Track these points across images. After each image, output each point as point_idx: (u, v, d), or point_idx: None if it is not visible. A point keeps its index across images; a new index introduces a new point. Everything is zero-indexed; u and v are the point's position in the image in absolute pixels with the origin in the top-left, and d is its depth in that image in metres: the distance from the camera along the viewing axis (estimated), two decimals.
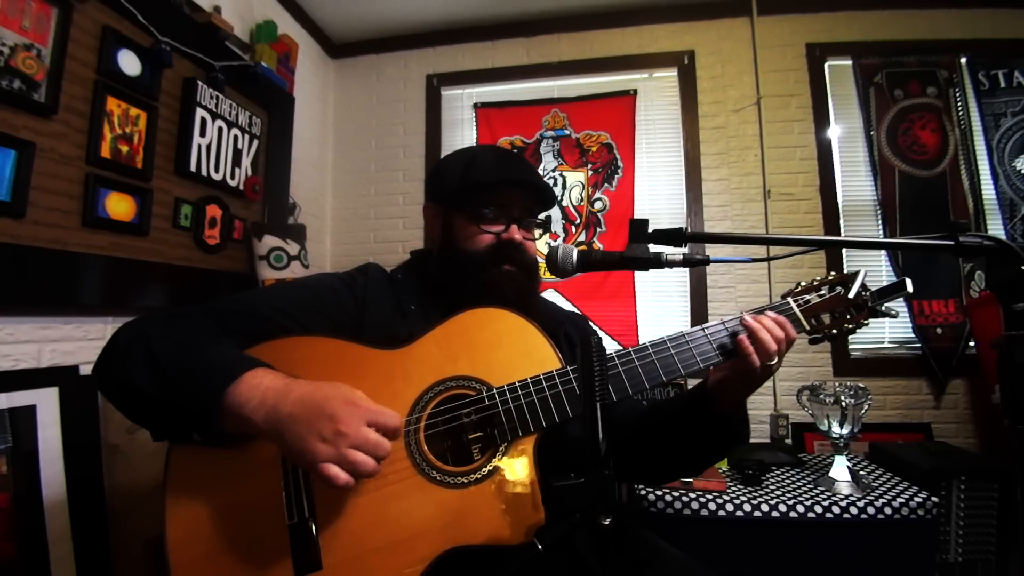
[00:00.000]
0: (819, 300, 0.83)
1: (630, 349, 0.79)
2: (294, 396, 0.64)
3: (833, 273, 0.85)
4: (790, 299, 0.83)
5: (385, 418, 0.64)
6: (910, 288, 0.78)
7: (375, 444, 0.62)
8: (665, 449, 0.87)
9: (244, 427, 0.64)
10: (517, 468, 0.73)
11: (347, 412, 0.62)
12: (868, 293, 0.82)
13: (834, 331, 0.82)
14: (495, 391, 0.76)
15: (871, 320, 0.82)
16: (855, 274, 0.83)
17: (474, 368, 0.78)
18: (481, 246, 0.89)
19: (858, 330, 0.82)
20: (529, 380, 0.76)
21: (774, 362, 0.76)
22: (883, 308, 0.82)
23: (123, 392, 0.70)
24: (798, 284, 0.86)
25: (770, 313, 0.79)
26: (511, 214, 0.90)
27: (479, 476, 0.72)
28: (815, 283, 0.85)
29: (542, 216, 0.98)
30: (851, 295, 0.81)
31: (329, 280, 0.90)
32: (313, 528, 0.68)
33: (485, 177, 0.90)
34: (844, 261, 2.18)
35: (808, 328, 0.82)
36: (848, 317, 0.82)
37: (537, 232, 0.98)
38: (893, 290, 0.80)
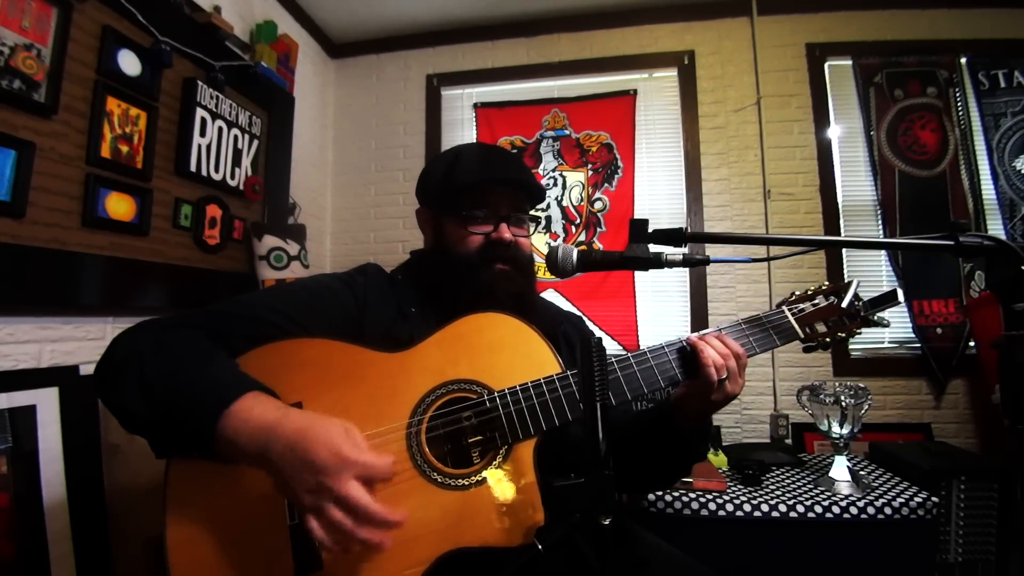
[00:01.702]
0: (813, 309, 0.85)
1: (613, 359, 0.79)
2: (284, 438, 0.61)
3: (827, 283, 0.88)
4: (785, 308, 0.85)
5: (375, 470, 0.61)
6: (901, 299, 0.81)
7: (354, 502, 0.58)
8: (634, 461, 0.88)
9: (238, 459, 0.64)
10: (517, 471, 0.73)
11: (334, 465, 0.59)
12: (861, 303, 0.84)
13: (827, 339, 0.84)
14: (496, 394, 0.76)
15: (863, 329, 0.85)
16: (848, 284, 0.85)
17: (475, 372, 0.78)
18: (471, 248, 0.89)
19: (851, 339, 0.85)
20: (530, 384, 0.76)
21: (732, 381, 0.77)
22: (875, 318, 0.84)
23: (119, 414, 0.69)
24: (792, 293, 0.88)
25: (712, 334, 0.80)
26: (499, 213, 0.89)
27: (480, 478, 0.72)
28: (809, 292, 0.87)
29: (533, 212, 0.98)
30: (844, 304, 0.83)
31: (329, 281, 0.89)
32: None
33: (468, 178, 0.89)
34: (844, 261, 2.19)
35: (802, 336, 0.83)
36: (841, 326, 0.84)
37: (531, 227, 0.97)
38: (885, 300, 0.83)
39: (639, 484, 0.94)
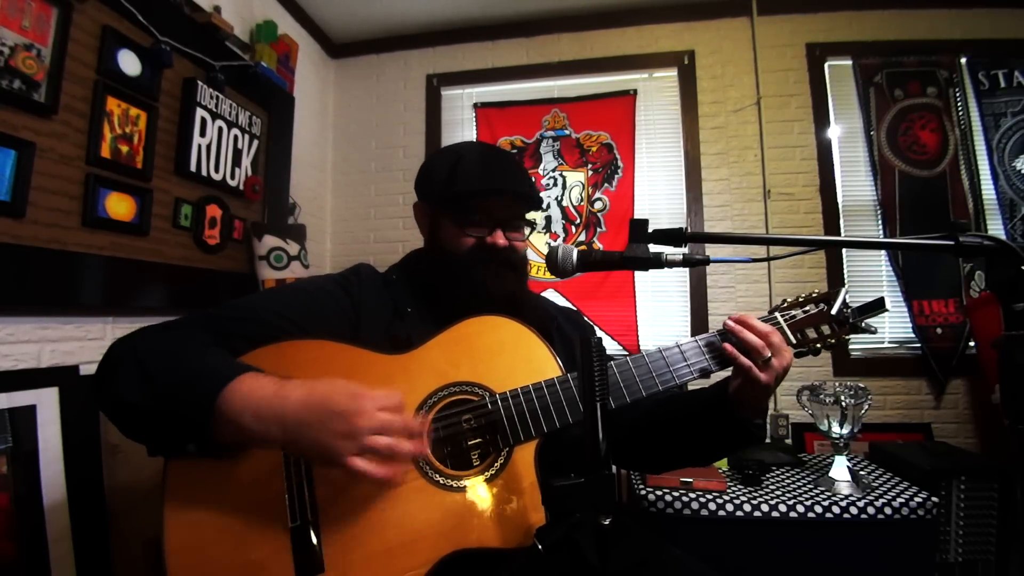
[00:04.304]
0: (804, 316, 0.86)
1: (627, 357, 0.81)
2: (294, 400, 0.63)
3: (817, 291, 0.89)
4: (777, 314, 0.87)
5: (390, 399, 0.64)
6: (888, 306, 0.83)
7: (392, 425, 0.63)
8: (680, 443, 0.90)
9: (244, 438, 0.64)
10: (519, 472, 0.73)
11: (357, 405, 0.62)
12: (849, 310, 0.86)
13: (817, 345, 0.86)
14: (497, 396, 0.76)
15: (852, 336, 0.87)
16: (838, 291, 0.87)
17: (476, 374, 0.78)
18: (464, 248, 0.90)
19: (842, 345, 0.86)
20: (531, 386, 0.77)
21: (778, 356, 0.78)
22: (863, 324, 0.86)
23: (116, 408, 0.69)
24: (784, 300, 0.90)
25: (739, 319, 0.82)
26: (496, 218, 0.90)
27: (482, 480, 0.73)
28: (800, 299, 0.89)
29: (529, 216, 0.99)
30: (833, 311, 0.85)
31: (324, 283, 0.90)
32: (315, 531, 0.68)
33: (469, 186, 0.90)
34: (844, 261, 2.19)
35: (794, 342, 0.85)
36: (831, 332, 0.86)
37: (527, 230, 0.97)
38: (872, 308, 0.84)
39: (679, 461, 0.96)
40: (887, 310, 0.83)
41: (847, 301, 0.85)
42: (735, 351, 0.78)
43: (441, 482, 0.72)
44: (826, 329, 0.85)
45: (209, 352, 0.71)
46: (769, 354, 0.77)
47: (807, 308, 0.87)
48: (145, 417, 0.67)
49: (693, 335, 0.83)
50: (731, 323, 0.80)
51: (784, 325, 0.85)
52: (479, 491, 0.72)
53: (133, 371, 0.67)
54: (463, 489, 0.72)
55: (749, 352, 0.77)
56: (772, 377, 0.78)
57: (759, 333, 0.78)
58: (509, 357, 0.80)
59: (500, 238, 0.89)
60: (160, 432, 0.68)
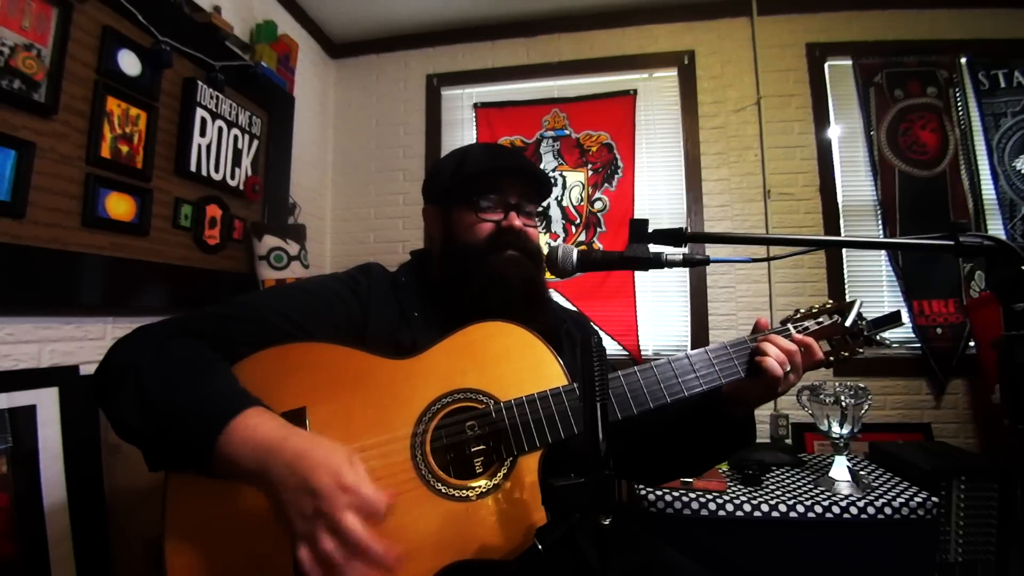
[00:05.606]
0: (817, 328, 0.85)
1: (635, 367, 0.80)
2: (285, 459, 0.59)
3: (831, 301, 0.88)
4: (790, 325, 0.85)
5: (372, 505, 0.58)
6: (903, 320, 0.82)
7: (348, 533, 0.55)
8: (673, 450, 0.89)
9: (236, 477, 0.62)
10: (523, 483, 0.72)
11: (333, 491, 0.57)
12: (864, 322, 0.85)
13: (830, 358, 0.85)
14: (502, 405, 0.75)
15: (865, 348, 0.85)
16: (852, 303, 0.85)
17: (482, 381, 0.77)
18: (482, 235, 0.89)
19: (852, 357, 0.85)
20: (536, 395, 0.75)
21: (796, 373, 0.78)
22: (877, 337, 0.85)
23: (115, 425, 0.68)
24: (797, 311, 0.88)
25: (796, 336, 0.81)
26: (508, 202, 0.90)
27: (485, 489, 0.72)
28: (813, 311, 0.87)
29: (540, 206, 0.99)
30: (847, 323, 0.84)
31: (332, 284, 0.88)
32: None
33: (478, 168, 0.90)
34: (844, 261, 2.19)
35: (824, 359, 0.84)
36: (844, 345, 0.85)
37: (538, 220, 0.98)
38: (887, 321, 0.84)
39: (673, 471, 0.95)
40: (903, 324, 0.82)
41: (861, 313, 0.84)
42: (772, 360, 0.76)
43: (443, 491, 0.71)
44: (839, 342, 0.84)
45: (215, 376, 0.68)
46: (789, 367, 0.77)
47: (820, 320, 0.85)
48: (146, 440, 0.66)
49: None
50: (760, 341, 0.80)
51: (815, 345, 0.83)
52: (481, 501, 0.71)
53: (134, 394, 0.65)
54: (465, 498, 0.71)
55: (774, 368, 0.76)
56: (787, 389, 0.79)
57: (786, 351, 0.78)
58: (516, 365, 0.78)
59: (516, 220, 0.89)
60: (160, 454, 0.67)
